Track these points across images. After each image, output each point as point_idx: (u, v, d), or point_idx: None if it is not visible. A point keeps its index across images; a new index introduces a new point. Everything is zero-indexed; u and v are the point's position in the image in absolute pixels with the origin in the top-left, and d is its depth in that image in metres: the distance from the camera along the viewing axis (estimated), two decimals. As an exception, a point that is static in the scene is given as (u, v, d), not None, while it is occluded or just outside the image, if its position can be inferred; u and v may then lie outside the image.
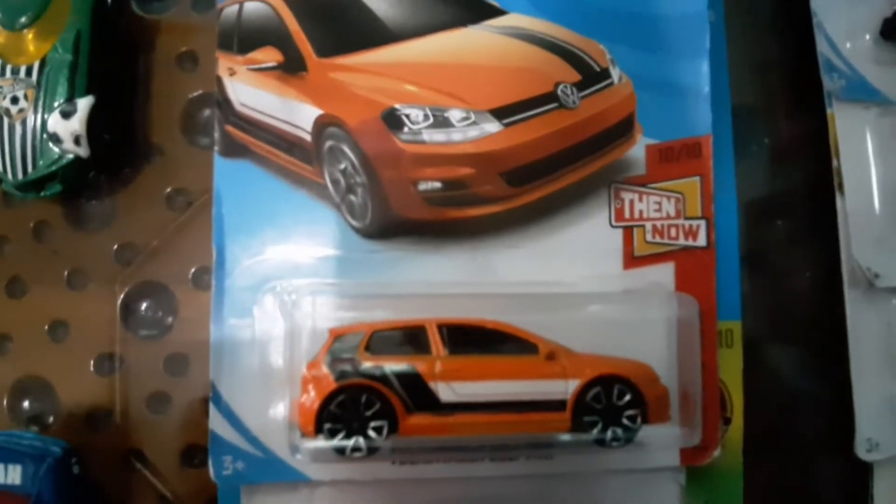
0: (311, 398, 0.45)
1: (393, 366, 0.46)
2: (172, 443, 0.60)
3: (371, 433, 0.45)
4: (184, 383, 0.60)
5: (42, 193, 0.57)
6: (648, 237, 0.57)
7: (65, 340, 0.61)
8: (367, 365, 0.46)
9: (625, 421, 0.47)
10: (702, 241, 0.57)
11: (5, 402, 0.61)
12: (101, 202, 0.62)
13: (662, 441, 0.48)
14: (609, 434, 0.46)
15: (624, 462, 0.56)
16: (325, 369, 0.46)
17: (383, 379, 0.46)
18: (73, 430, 0.60)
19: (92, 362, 0.61)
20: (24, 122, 0.55)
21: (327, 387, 0.45)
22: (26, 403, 0.61)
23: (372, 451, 0.45)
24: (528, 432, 0.45)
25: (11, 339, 0.62)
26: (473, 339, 0.46)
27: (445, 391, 0.45)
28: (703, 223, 0.58)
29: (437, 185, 0.55)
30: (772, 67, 0.66)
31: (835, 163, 0.62)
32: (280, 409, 0.53)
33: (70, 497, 0.53)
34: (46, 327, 0.61)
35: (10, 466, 0.51)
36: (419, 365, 0.46)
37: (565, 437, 0.46)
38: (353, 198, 0.55)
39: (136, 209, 0.61)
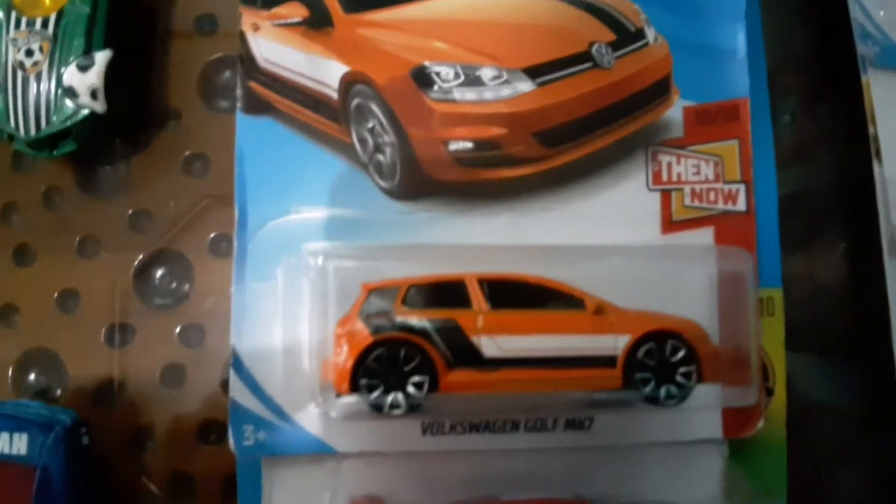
0: (346, 354, 0.42)
1: (432, 319, 0.43)
2: (187, 418, 0.56)
3: (411, 389, 0.42)
4: (199, 355, 0.57)
5: (55, 152, 0.53)
6: (687, 201, 0.55)
7: (74, 311, 0.57)
8: (405, 319, 0.43)
9: (679, 378, 0.44)
10: (741, 205, 0.55)
11: (10, 375, 0.57)
12: (114, 168, 0.59)
13: (717, 401, 0.45)
14: (663, 392, 0.43)
15: (666, 434, 0.53)
16: (359, 324, 0.42)
17: (423, 333, 0.43)
18: (81, 405, 0.56)
19: (102, 333, 0.57)
20: (38, 76, 0.52)
21: (363, 341, 0.42)
22: (32, 376, 0.57)
23: (413, 408, 0.42)
24: (577, 390, 0.42)
25: (18, 310, 0.58)
26: (516, 294, 0.43)
27: (489, 346, 0.42)
28: (742, 187, 0.55)
29: (469, 145, 0.52)
30: (805, 35, 0.64)
31: (871, 130, 0.60)
32: (306, 376, 0.50)
33: (79, 470, 0.49)
34: (55, 297, 0.58)
35: (16, 436, 0.47)
36: (460, 319, 0.43)
37: (617, 395, 0.43)
38: (381, 157, 0.53)
39: (152, 175, 0.58)
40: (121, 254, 0.57)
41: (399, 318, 0.42)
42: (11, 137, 0.53)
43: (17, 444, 0.47)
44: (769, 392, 0.57)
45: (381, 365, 0.42)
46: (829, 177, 0.62)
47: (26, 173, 0.59)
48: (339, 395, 0.42)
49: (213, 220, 0.57)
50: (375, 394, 0.41)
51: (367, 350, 0.42)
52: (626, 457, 0.52)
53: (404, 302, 0.43)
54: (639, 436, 0.53)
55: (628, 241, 0.53)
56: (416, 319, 0.43)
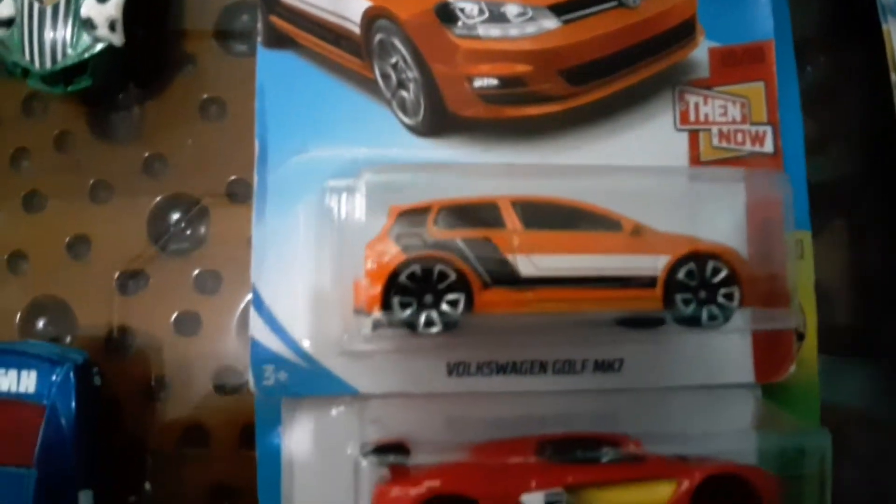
0: (377, 273, 0.39)
1: (466, 239, 0.41)
2: (202, 367, 0.54)
3: (445, 307, 0.40)
4: (215, 302, 0.55)
5: (70, 87, 0.51)
6: (715, 142, 0.53)
7: (85, 257, 0.55)
8: (438, 238, 0.41)
9: (721, 299, 0.42)
10: (769, 147, 0.53)
11: (17, 324, 0.55)
12: (129, 112, 0.57)
13: (759, 323, 0.43)
14: (705, 313, 0.42)
15: (696, 378, 0.52)
16: (391, 244, 0.40)
17: (457, 251, 0.40)
18: (91, 354, 0.52)
19: (115, 280, 0.55)
20: (55, 7, 0.50)
21: (395, 259, 0.40)
22: (41, 325, 0.55)
23: (448, 326, 0.39)
24: (614, 309, 0.40)
25: (27, 258, 0.56)
26: (550, 216, 0.42)
27: (525, 264, 0.40)
28: (769, 129, 0.54)
29: (494, 82, 0.51)
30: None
31: (893, 77, 0.59)
32: (329, 315, 0.48)
33: (90, 410, 0.47)
34: (66, 243, 0.55)
35: (24, 373, 0.45)
36: (494, 238, 0.41)
37: (659, 315, 0.41)
38: (404, 94, 0.51)
39: (168, 119, 0.56)
40: (134, 199, 0.55)
41: (432, 238, 0.40)
42: (25, 73, 0.51)
43: (25, 382, 0.45)
44: (800, 337, 0.55)
45: (414, 283, 0.40)
46: (852, 124, 0.61)
47: (38, 118, 0.57)
48: (368, 315, 0.40)
49: (230, 165, 0.55)
50: (408, 311, 0.39)
51: (400, 268, 0.40)
52: (655, 400, 0.50)
53: (435, 223, 0.41)
54: (668, 380, 0.52)
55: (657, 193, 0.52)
56: (450, 238, 0.41)
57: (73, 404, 0.45)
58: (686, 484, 0.41)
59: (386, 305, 0.39)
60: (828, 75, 0.61)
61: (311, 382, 0.49)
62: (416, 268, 0.39)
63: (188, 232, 0.56)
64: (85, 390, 0.47)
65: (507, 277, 0.39)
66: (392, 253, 0.40)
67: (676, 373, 0.52)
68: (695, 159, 0.53)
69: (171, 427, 0.54)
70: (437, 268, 0.39)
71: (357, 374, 0.50)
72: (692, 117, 0.54)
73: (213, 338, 0.54)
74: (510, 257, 0.40)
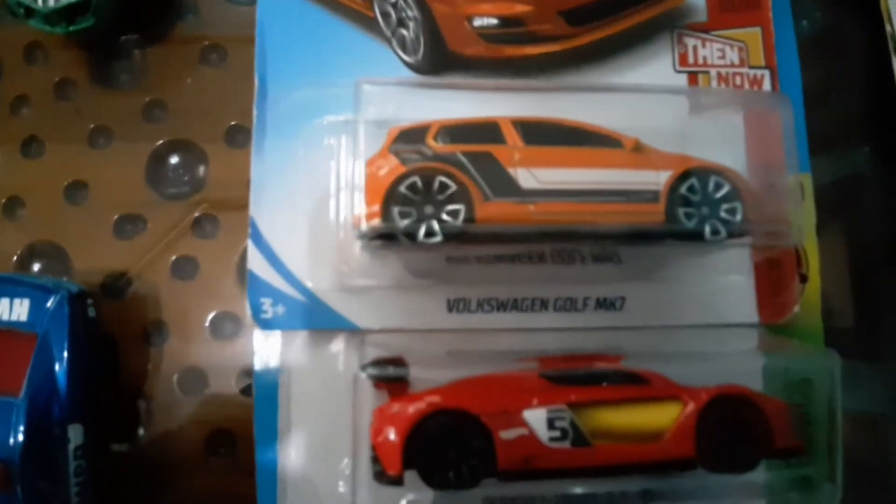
0: (376, 186, 0.38)
1: (467, 152, 0.40)
2: (199, 311, 0.53)
3: (446, 217, 0.38)
4: (213, 247, 0.53)
5: (72, 27, 0.50)
6: (713, 84, 0.53)
7: (83, 202, 0.54)
8: (438, 152, 0.40)
9: (723, 214, 0.41)
10: (767, 88, 0.53)
11: (12, 268, 0.53)
12: (130, 59, 0.56)
13: (758, 240, 0.42)
14: (708, 228, 0.40)
15: (699, 316, 0.50)
16: (391, 158, 0.39)
17: (457, 163, 0.39)
18: (88, 299, 0.52)
19: (112, 225, 0.54)
20: (57, -55, 0.50)
21: (395, 171, 0.39)
22: (36, 269, 0.53)
23: (448, 237, 0.38)
24: (616, 222, 0.39)
25: (24, 203, 0.54)
26: (552, 134, 0.41)
27: (526, 177, 0.39)
28: (766, 73, 0.53)
29: (493, 21, 0.50)
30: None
31: (888, 28, 0.59)
32: (328, 248, 0.47)
33: (83, 341, 0.45)
34: (64, 188, 0.54)
35: (17, 301, 0.43)
36: (496, 152, 0.40)
37: (662, 228, 0.40)
38: (404, 32, 0.50)
39: (168, 66, 0.55)
40: (134, 144, 0.54)
41: (432, 152, 0.39)
42: (28, 12, 0.50)
43: (17, 311, 0.43)
44: (803, 279, 0.54)
45: (414, 193, 0.38)
46: (850, 76, 0.60)
47: (39, 65, 0.56)
48: (368, 223, 0.38)
49: (230, 111, 0.54)
50: (407, 220, 0.38)
51: (400, 179, 0.39)
52: (658, 338, 0.48)
53: (435, 139, 0.40)
54: (670, 319, 0.51)
55: (656, 122, 0.51)
56: (450, 152, 0.40)
57: (66, 333, 0.44)
58: (692, 404, 0.39)
59: (386, 216, 0.38)
60: (824, 26, 0.61)
61: (309, 317, 0.48)
62: (416, 179, 0.38)
63: (186, 177, 0.55)
64: (79, 320, 0.45)
65: (508, 190, 0.38)
66: (391, 166, 0.39)
67: (678, 312, 0.51)
68: (694, 99, 0.53)
69: (167, 372, 0.52)
70: (438, 179, 0.38)
71: (357, 310, 0.48)
72: (691, 60, 0.54)
73: (211, 282, 0.53)
74: (511, 170, 0.39)
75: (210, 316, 0.52)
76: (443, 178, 0.38)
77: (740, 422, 0.39)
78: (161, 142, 0.54)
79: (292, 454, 0.47)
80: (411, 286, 0.48)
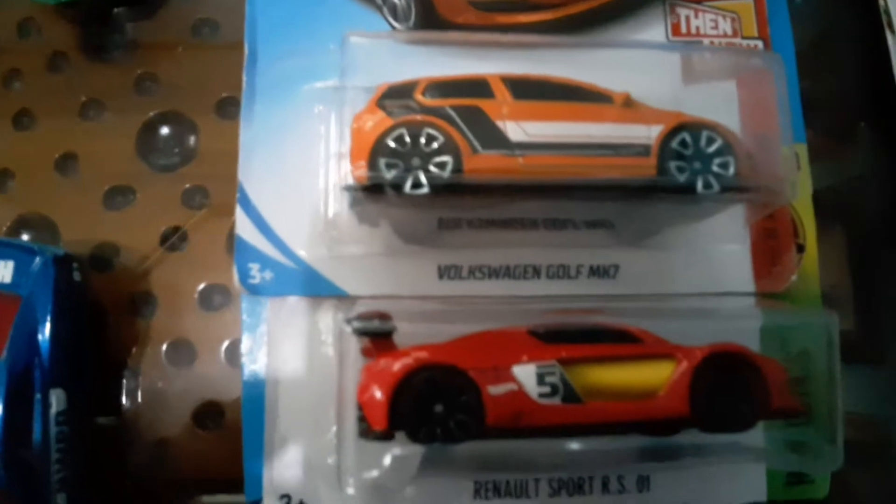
0: (363, 139, 0.37)
1: (455, 106, 0.38)
2: (188, 282, 0.51)
3: (433, 169, 0.37)
4: (203, 217, 0.52)
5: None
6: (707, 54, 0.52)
7: (73, 174, 0.53)
8: (426, 106, 0.39)
9: (716, 168, 0.40)
10: (761, 60, 0.52)
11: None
12: (122, 33, 0.55)
13: (751, 196, 0.41)
14: (700, 182, 0.39)
15: (695, 286, 0.49)
16: (378, 112, 0.38)
17: (445, 116, 0.38)
18: (76, 270, 0.51)
19: (102, 196, 0.53)
20: (49, -87, 0.49)
21: (382, 124, 0.38)
22: (25, 239, 0.53)
23: (436, 189, 0.37)
24: (607, 176, 0.38)
25: (13, 175, 0.53)
26: (542, 90, 0.40)
27: (515, 130, 0.38)
28: (760, 43, 0.52)
29: (486, -12, 0.50)
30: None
31: (881, 2, 0.58)
32: (316, 214, 0.46)
33: (68, 305, 0.44)
34: (54, 160, 0.53)
35: (1, 263, 0.42)
36: (484, 106, 0.38)
37: (652, 181, 0.38)
38: (395, 0, 0.50)
39: (160, 39, 0.55)
40: (125, 116, 0.53)
41: (420, 106, 0.38)
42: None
43: (1, 272, 0.42)
44: (800, 249, 0.53)
45: (401, 145, 0.37)
46: (844, 49, 0.59)
47: (32, 40, 0.55)
48: (354, 176, 0.37)
49: (222, 83, 0.53)
50: (394, 171, 0.37)
51: (387, 131, 0.37)
52: (651, 305, 0.47)
53: (424, 94, 0.39)
54: (666, 286, 0.49)
55: (649, 90, 0.50)
56: (438, 106, 0.39)
57: (51, 296, 0.43)
58: (686, 362, 0.38)
59: (372, 167, 0.36)
60: (815, 6, 0.61)
61: (298, 283, 0.47)
62: (403, 131, 0.37)
63: (177, 149, 0.54)
64: (64, 283, 0.44)
65: (496, 142, 0.37)
66: (378, 119, 0.38)
67: (673, 281, 0.50)
68: (688, 70, 0.52)
69: (155, 344, 0.51)
70: (425, 131, 0.37)
71: (346, 276, 0.47)
72: (684, 29, 0.53)
73: (200, 254, 0.52)
74: (500, 123, 0.38)
75: (199, 288, 0.52)
76: (430, 131, 0.37)
77: (736, 380, 0.38)
78: (152, 114, 0.53)
79: (280, 425, 0.46)
80: (401, 252, 0.47)
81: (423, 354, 0.37)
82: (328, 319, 0.46)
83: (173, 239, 0.50)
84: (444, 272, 0.48)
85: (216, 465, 0.50)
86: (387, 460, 0.36)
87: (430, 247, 0.47)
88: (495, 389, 0.36)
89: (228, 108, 0.54)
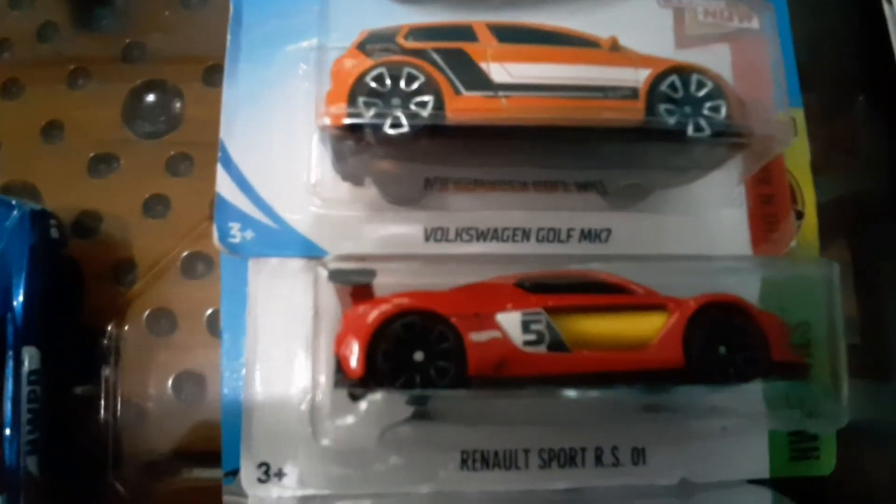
0: (343, 77, 0.36)
1: (437, 48, 0.37)
2: (170, 250, 0.50)
3: (414, 108, 0.36)
4: (186, 185, 0.51)
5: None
6: (700, 17, 0.50)
7: (58, 142, 0.52)
8: (407, 48, 0.37)
9: (707, 112, 0.38)
10: (755, 23, 0.50)
11: (-18, 207, 0.52)
12: (111, 4, 0.55)
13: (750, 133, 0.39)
14: (690, 125, 0.37)
15: (690, 247, 0.47)
16: (358, 55, 0.37)
17: (427, 57, 0.37)
18: (58, 237, 0.50)
19: (86, 164, 0.52)
20: None
21: (362, 64, 0.36)
22: (8, 207, 0.51)
23: (415, 129, 0.35)
24: (594, 118, 0.36)
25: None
26: (527, 34, 0.38)
27: (498, 72, 0.36)
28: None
29: (472, -48, 0.48)
30: None
31: (880, -24, 0.57)
32: (299, 174, 0.44)
33: (44, 260, 0.42)
34: (40, 128, 0.52)
35: (-26, 217, 0.41)
36: (467, 48, 0.37)
37: (643, 121, 0.37)
38: (382, -38, 0.49)
39: (148, 9, 0.54)
40: (111, 85, 0.53)
41: (401, 49, 0.37)
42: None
43: (-25, 227, 0.41)
44: (799, 215, 0.51)
45: (381, 85, 0.36)
46: (842, 22, 0.58)
47: (23, 10, 0.55)
48: (333, 117, 0.36)
49: (208, 52, 0.52)
50: (374, 110, 0.35)
51: (366, 71, 0.36)
52: (647, 266, 0.45)
53: (406, 38, 0.38)
54: (660, 247, 0.47)
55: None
56: (420, 48, 0.37)
57: (26, 251, 0.41)
58: (680, 313, 0.36)
59: (352, 105, 0.35)
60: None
61: (279, 244, 0.45)
62: (383, 70, 0.35)
63: (162, 118, 0.53)
64: (40, 239, 0.42)
65: (479, 83, 0.35)
66: (358, 61, 0.36)
67: (667, 246, 0.48)
68: (681, 34, 0.50)
69: (136, 312, 0.49)
70: (406, 70, 0.35)
71: (329, 237, 0.45)
72: (677, -8, 0.52)
73: (182, 221, 0.51)
74: (483, 65, 0.36)
75: (182, 256, 0.50)
76: (411, 70, 0.35)
77: (733, 331, 0.35)
78: (138, 82, 0.53)
79: (258, 387, 0.44)
80: (387, 214, 0.46)
81: (402, 300, 0.34)
82: (309, 280, 0.44)
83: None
84: (431, 234, 0.45)
85: (195, 437, 0.48)
86: (362, 407, 0.34)
87: (415, 208, 0.45)
88: (477, 336, 0.34)
89: (214, 76, 0.52)
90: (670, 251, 0.47)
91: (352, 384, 0.33)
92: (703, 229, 0.48)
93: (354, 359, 0.33)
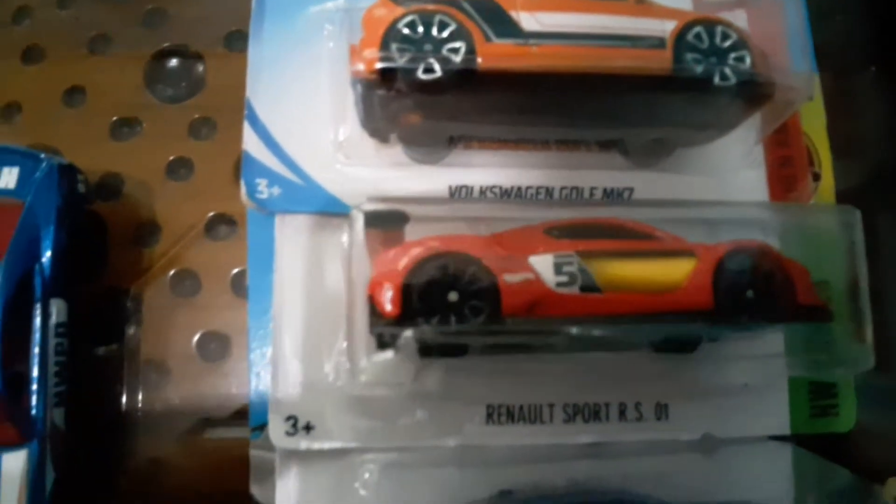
0: (375, 25, 0.36)
1: (467, -1, 0.38)
2: (193, 212, 0.50)
3: (446, 54, 0.36)
4: (209, 148, 0.51)
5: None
6: (715, -15, 0.51)
7: (81, 106, 0.52)
8: (438, -3, 0.38)
9: (732, 62, 0.38)
10: (770, -8, 0.51)
11: (6, 171, 0.52)
12: (132, -29, 0.55)
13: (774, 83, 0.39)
14: (717, 74, 0.38)
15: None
16: (388, 3, 0.37)
17: (457, 5, 0.37)
18: (81, 200, 0.50)
19: (109, 128, 0.52)
20: None
21: (394, 12, 0.36)
22: (31, 170, 0.51)
23: (447, 75, 0.35)
24: (622, 66, 0.37)
25: (21, 108, 0.53)
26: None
27: (528, 20, 0.36)
28: (770, -16, 0.52)
29: None
30: None
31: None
32: (325, 131, 0.45)
33: (71, 214, 0.42)
34: (62, 93, 0.52)
35: (6, 169, 0.41)
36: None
37: (669, 71, 0.37)
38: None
39: (169, -25, 0.55)
40: (133, 49, 0.53)
41: (432, -2, 0.37)
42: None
43: (6, 179, 0.41)
44: (816, 177, 0.51)
45: (413, 31, 0.36)
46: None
47: (42, -23, 0.55)
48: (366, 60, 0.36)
49: (230, 16, 0.53)
50: (406, 56, 0.35)
51: (398, 18, 0.36)
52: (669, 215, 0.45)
53: (434, -7, 0.38)
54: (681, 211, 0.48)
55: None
56: (451, -1, 0.38)
57: (54, 204, 0.41)
58: (709, 256, 0.36)
59: (384, 50, 0.35)
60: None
61: (305, 199, 0.45)
62: (415, 17, 0.36)
63: (184, 83, 0.53)
64: (67, 192, 0.43)
65: (509, 31, 0.36)
66: (390, 9, 0.37)
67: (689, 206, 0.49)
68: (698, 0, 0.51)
69: (159, 273, 0.49)
70: (437, 18, 0.36)
71: (353, 194, 0.46)
72: (694, -40, 0.53)
73: (206, 184, 0.51)
74: (513, 13, 0.36)
75: (206, 217, 0.50)
76: (442, 17, 0.36)
77: (760, 274, 0.36)
78: (161, 47, 0.53)
79: (286, 345, 0.44)
80: (411, 171, 0.46)
81: (435, 243, 0.35)
82: (335, 235, 0.44)
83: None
84: (455, 192, 0.46)
85: (219, 396, 0.48)
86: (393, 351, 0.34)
87: (440, 166, 0.46)
88: (511, 277, 0.34)
89: (237, 41, 0.53)
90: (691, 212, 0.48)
91: (386, 324, 0.34)
92: (724, 190, 0.48)
93: (390, 299, 0.33)
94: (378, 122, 0.42)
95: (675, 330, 0.35)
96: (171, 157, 0.50)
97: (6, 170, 0.41)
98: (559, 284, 0.34)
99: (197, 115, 0.51)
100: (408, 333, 0.33)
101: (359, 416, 0.43)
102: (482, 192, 0.47)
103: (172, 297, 0.48)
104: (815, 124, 0.51)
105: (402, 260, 0.34)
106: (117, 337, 0.47)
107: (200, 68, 0.52)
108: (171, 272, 0.49)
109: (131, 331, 0.48)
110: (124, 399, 0.47)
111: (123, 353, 0.47)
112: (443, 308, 0.34)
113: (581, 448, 0.45)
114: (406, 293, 0.33)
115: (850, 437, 0.48)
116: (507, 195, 0.47)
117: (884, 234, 0.57)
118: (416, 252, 0.34)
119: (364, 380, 0.34)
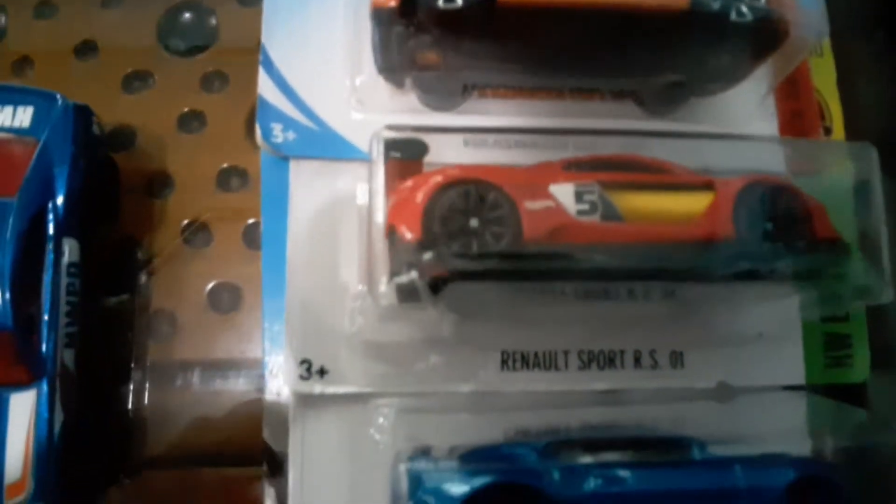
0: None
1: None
2: (205, 164, 0.50)
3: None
4: (221, 101, 0.51)
5: None
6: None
7: (93, 59, 0.52)
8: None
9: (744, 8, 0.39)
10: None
11: (18, 123, 0.51)
12: (146, -73, 0.55)
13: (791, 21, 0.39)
14: (734, 10, 0.38)
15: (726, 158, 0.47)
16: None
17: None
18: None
19: (121, 81, 0.51)
20: None
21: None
22: (42, 122, 0.51)
23: (468, 4, 0.35)
24: (641, 3, 0.37)
25: (33, 63, 0.52)
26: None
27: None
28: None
29: None
30: None
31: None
32: (340, 77, 0.44)
33: (85, 155, 0.42)
34: (74, 47, 0.52)
35: (21, 108, 0.41)
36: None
37: (687, 7, 0.37)
38: None
39: (183, -68, 0.55)
40: (145, 3, 0.53)
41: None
42: None
43: (21, 117, 0.40)
44: (827, 131, 0.51)
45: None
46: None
47: (55, -68, 0.55)
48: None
49: (244, -28, 0.53)
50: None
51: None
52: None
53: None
54: (694, 158, 0.47)
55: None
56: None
57: (69, 143, 0.41)
58: (728, 188, 0.36)
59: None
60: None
61: (320, 145, 0.45)
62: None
63: (196, 37, 0.53)
64: (81, 133, 0.42)
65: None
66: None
67: (702, 157, 0.48)
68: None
69: (171, 224, 0.49)
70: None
71: (367, 139, 0.46)
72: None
73: (218, 136, 0.51)
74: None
75: (218, 168, 0.50)
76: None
77: (779, 206, 0.36)
78: (173, 1, 0.53)
79: (300, 284, 0.44)
80: (426, 118, 0.46)
81: (455, 172, 0.35)
82: (348, 180, 0.44)
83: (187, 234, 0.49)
84: (469, 140, 0.46)
85: (230, 347, 0.47)
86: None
87: (454, 113, 0.46)
88: (532, 205, 0.34)
89: (251, -6, 0.53)
90: (706, 161, 0.49)
91: (406, 247, 0.33)
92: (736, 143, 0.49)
93: (411, 225, 0.33)
94: (395, 62, 0.42)
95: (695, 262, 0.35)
96: (184, 110, 0.50)
97: (21, 109, 0.41)
98: (580, 212, 0.34)
99: (210, 69, 0.51)
100: (428, 257, 0.32)
101: (373, 361, 0.43)
102: (496, 141, 0.47)
103: (184, 248, 0.48)
104: (825, 80, 0.51)
105: (425, 186, 0.34)
106: (129, 287, 0.47)
107: (213, 21, 0.53)
108: (183, 223, 0.49)
109: (142, 281, 0.48)
110: (135, 349, 0.47)
111: (135, 303, 0.47)
112: (464, 233, 0.34)
113: (596, 395, 0.45)
114: (427, 218, 0.33)
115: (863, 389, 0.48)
116: (522, 144, 0.47)
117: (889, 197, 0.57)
118: (436, 179, 0.34)
119: (385, 303, 0.34)
